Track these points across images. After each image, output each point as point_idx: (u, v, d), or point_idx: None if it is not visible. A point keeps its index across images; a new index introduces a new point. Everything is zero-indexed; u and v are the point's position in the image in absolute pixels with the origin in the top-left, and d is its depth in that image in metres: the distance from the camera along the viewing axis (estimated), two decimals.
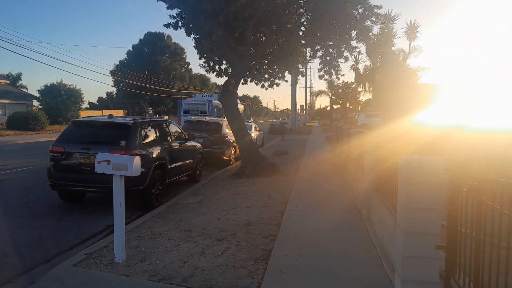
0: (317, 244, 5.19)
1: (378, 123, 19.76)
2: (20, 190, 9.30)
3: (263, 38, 11.94)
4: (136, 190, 7.16)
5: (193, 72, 75.27)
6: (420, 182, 3.18)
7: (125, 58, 68.48)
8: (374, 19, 10.49)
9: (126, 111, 57.58)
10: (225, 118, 13.15)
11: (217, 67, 12.76)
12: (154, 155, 7.85)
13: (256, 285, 3.99)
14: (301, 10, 11.17)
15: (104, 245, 5.23)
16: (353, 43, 11.00)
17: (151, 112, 67.00)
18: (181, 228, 6.02)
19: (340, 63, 11.37)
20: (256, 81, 13.07)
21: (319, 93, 56.08)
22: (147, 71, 64.81)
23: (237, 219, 6.52)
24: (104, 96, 74.14)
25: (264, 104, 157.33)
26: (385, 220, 4.77)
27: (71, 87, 49.74)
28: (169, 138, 9.01)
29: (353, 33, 10.63)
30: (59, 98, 47.02)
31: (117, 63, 67.96)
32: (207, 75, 68.80)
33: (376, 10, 10.28)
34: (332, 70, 11.32)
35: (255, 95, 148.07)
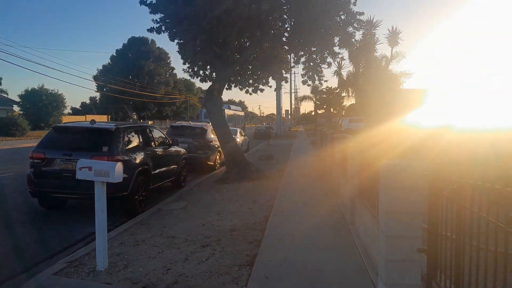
0: (302, 248, 5.20)
1: (361, 128, 19.99)
2: None
3: (247, 44, 11.98)
4: (119, 196, 7.07)
5: (178, 77, 75.08)
6: (401, 186, 3.22)
7: (109, 62, 67.90)
8: (356, 25, 10.64)
9: (109, 116, 56.96)
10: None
11: (201, 72, 12.74)
12: (137, 161, 7.77)
13: None
14: (285, 16, 11.26)
15: (86, 253, 5.13)
16: (336, 49, 11.14)
17: (135, 117, 66.40)
18: (164, 235, 5.96)
19: (323, 69, 11.51)
20: (240, 87, 13.09)
21: (304, 98, 56.47)
22: (131, 76, 64.34)
23: (221, 224, 6.49)
24: (87, 101, 73.27)
25: (250, 109, 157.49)
26: (368, 224, 4.82)
27: (53, 92, 49.02)
28: (152, 143, 8.93)
29: (336, 39, 10.76)
30: (41, 103, 46.28)
31: (101, 67, 67.28)
32: (192, 80, 68.60)
33: (358, 17, 10.43)
34: (316, 75, 11.43)
35: (240, 100, 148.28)
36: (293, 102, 77.10)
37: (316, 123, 53.74)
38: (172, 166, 9.79)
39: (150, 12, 10.26)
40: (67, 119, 45.49)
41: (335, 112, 59.08)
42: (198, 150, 13.55)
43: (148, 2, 10.21)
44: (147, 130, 9.08)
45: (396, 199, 3.24)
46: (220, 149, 13.41)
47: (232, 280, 4.25)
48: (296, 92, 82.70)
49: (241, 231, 6.10)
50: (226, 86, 12.40)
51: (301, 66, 11.73)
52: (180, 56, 12.36)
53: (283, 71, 13.17)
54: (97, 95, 69.98)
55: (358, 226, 5.77)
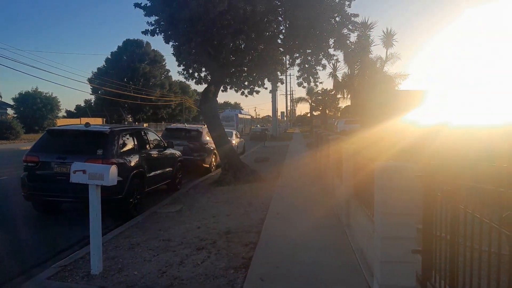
0: (297, 250, 5.20)
1: (357, 130, 20.04)
2: None
3: (242, 46, 11.97)
4: (114, 199, 7.03)
5: (173, 79, 74.86)
6: (396, 188, 3.23)
7: (104, 65, 67.62)
8: (351, 27, 10.67)
9: (104, 119, 56.74)
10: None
11: (196, 74, 12.71)
12: (132, 164, 7.74)
13: None
14: (279, 18, 11.27)
15: (80, 257, 5.10)
16: (331, 50, 11.15)
17: (130, 119, 66.19)
18: (160, 238, 5.93)
19: (318, 71, 11.49)
20: (236, 89, 13.07)
21: (300, 100, 56.65)
22: (126, 78, 64.11)
23: (217, 227, 6.47)
24: (82, 104, 72.89)
25: (245, 109, 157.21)
26: (364, 225, 4.82)
27: (47, 95, 48.86)
28: (147, 146, 8.91)
29: (331, 41, 10.78)
30: (35, 106, 46.09)
31: (96, 70, 67.05)
32: (187, 82, 68.52)
33: (353, 18, 10.46)
34: (311, 77, 11.43)
35: (236, 102, 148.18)
36: (288, 104, 77.22)
37: (311, 124, 53.86)
38: (167, 169, 9.76)
39: (145, 15, 10.24)
40: (62, 122, 45.30)
41: (330, 113, 59.30)
42: (194, 152, 13.52)
43: (142, 4, 10.20)
44: (142, 132, 9.05)
45: (391, 200, 3.25)
46: (215, 151, 13.39)
47: (228, 283, 4.24)
48: (292, 94, 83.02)
49: (237, 233, 6.09)
50: (221, 88, 12.38)
51: (296, 68, 11.76)
52: (175, 59, 12.35)
53: (278, 72, 13.18)
54: (92, 98, 69.72)
55: (354, 228, 5.78)
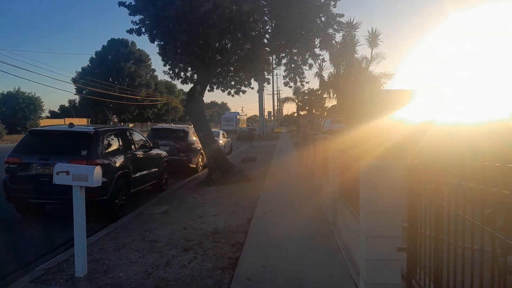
0: (284, 250, 5.21)
1: (343, 129, 20.20)
2: None
3: (228, 46, 11.95)
4: (99, 201, 6.94)
5: (159, 79, 74.23)
6: (380, 186, 3.25)
7: (88, 65, 66.72)
8: (336, 27, 10.73)
9: (89, 120, 55.98)
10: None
11: (182, 74, 12.64)
12: (117, 165, 7.65)
13: None
14: (265, 18, 11.27)
15: (64, 259, 5.02)
16: (317, 50, 11.20)
17: (115, 120, 65.45)
18: (146, 239, 5.88)
19: (304, 70, 11.54)
20: (222, 88, 13.05)
21: (286, 99, 56.73)
22: (111, 78, 63.37)
23: (204, 228, 6.45)
24: (66, 104, 71.69)
25: (232, 111, 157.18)
26: (350, 224, 4.85)
27: (30, 95, 48.01)
28: (133, 146, 8.81)
29: (317, 41, 10.82)
30: (17, 107, 45.28)
31: (80, 70, 66.10)
32: (173, 82, 68.06)
33: (338, 18, 10.52)
34: (297, 77, 11.47)
35: (222, 102, 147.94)
36: (275, 103, 77.41)
37: (298, 124, 54.03)
38: (153, 169, 9.68)
39: (130, 14, 10.13)
40: (45, 123, 44.51)
41: (317, 113, 59.55)
42: (180, 152, 13.44)
43: (127, 3, 10.09)
44: (127, 133, 8.95)
45: (376, 199, 3.28)
46: (202, 151, 13.33)
47: (215, 283, 4.22)
48: (279, 93, 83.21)
49: (224, 233, 6.07)
50: (208, 87, 12.33)
51: (282, 67, 11.79)
52: (161, 58, 12.25)
53: (265, 72, 13.19)
54: (77, 98, 68.71)
55: (340, 226, 5.82)
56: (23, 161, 7.02)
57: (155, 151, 10.01)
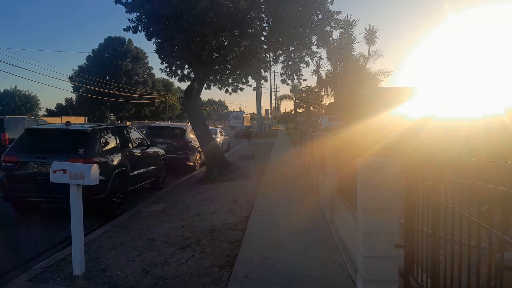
0: (282, 247, 5.21)
1: (340, 126, 20.22)
2: None
3: (225, 43, 11.92)
4: (97, 199, 6.93)
5: (156, 77, 73.96)
6: (378, 183, 3.26)
7: (85, 63, 66.37)
8: (333, 25, 10.71)
9: (86, 118, 55.79)
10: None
11: (179, 71, 12.60)
12: (115, 163, 7.63)
13: None
14: (262, 16, 11.25)
15: (62, 258, 5.01)
16: (314, 48, 11.16)
17: (113, 118, 65.25)
18: (143, 237, 5.87)
19: (302, 68, 11.52)
20: (219, 86, 13.02)
21: (284, 97, 56.70)
22: (108, 76, 63.11)
23: (201, 225, 6.44)
24: (63, 103, 71.35)
25: (230, 108, 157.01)
26: (347, 221, 4.86)
27: (27, 93, 47.82)
28: (130, 144, 8.79)
29: (314, 38, 10.80)
30: (13, 105, 45.10)
31: (77, 68, 65.79)
32: (171, 79, 67.87)
33: (335, 16, 10.50)
34: (294, 74, 11.46)
35: (220, 100, 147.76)
36: (273, 101, 77.36)
37: (296, 122, 54.02)
38: (151, 168, 9.66)
39: (126, 11, 10.08)
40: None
41: (314, 111, 59.57)
42: (178, 150, 13.42)
43: (123, 1, 10.03)
44: (125, 131, 8.92)
45: (373, 196, 3.28)
46: (199, 149, 13.31)
47: (213, 281, 4.23)
48: (276, 91, 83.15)
49: (222, 231, 6.07)
50: (205, 85, 12.31)
51: (280, 65, 11.76)
52: (158, 56, 12.21)
53: (262, 70, 13.17)
54: (74, 96, 68.40)
55: (337, 224, 5.83)
56: (19, 160, 6.99)
57: (152, 149, 9.99)
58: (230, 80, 12.83)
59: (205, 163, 12.07)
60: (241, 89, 13.11)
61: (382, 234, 3.28)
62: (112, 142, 7.94)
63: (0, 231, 6.82)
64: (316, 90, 41.17)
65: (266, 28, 11.47)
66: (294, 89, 48.46)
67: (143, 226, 6.54)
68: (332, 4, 10.44)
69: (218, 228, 6.23)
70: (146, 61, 71.70)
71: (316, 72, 30.28)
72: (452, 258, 2.67)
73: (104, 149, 7.49)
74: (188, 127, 13.97)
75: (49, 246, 5.92)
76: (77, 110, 62.74)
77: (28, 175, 6.92)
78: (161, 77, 74.91)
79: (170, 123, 16.01)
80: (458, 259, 2.61)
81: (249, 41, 11.18)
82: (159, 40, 11.10)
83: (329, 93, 33.85)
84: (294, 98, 52.45)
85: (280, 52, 11.46)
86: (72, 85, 61.24)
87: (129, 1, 9.99)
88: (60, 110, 66.82)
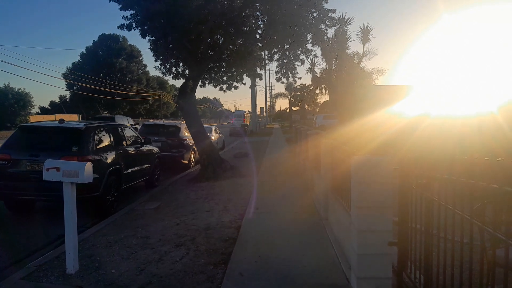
0: (277, 245, 5.22)
1: (335, 124, 20.27)
2: None
3: (220, 41, 11.89)
4: (90, 197, 6.90)
5: (151, 75, 73.68)
6: (371, 181, 3.27)
7: (79, 60, 65.97)
8: (328, 23, 10.70)
9: (80, 116, 55.46)
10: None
11: (173, 69, 12.55)
12: (109, 161, 7.60)
13: None
14: (257, 13, 11.23)
15: (55, 256, 4.99)
16: (309, 46, 11.15)
17: (107, 115, 64.89)
18: (138, 235, 5.86)
19: (296, 66, 11.51)
20: (214, 84, 12.99)
21: (279, 95, 56.81)
22: (102, 73, 62.79)
23: (196, 223, 6.44)
24: (57, 100, 70.88)
25: (225, 106, 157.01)
26: (341, 219, 4.88)
27: (20, 91, 47.41)
28: (124, 142, 8.76)
29: (309, 36, 10.80)
30: (6, 103, 44.74)
31: (70, 65, 65.36)
32: (165, 77, 67.63)
33: (330, 14, 10.50)
34: (289, 72, 11.45)
35: (215, 97, 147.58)
36: (268, 99, 77.34)
37: (291, 120, 54.10)
38: (145, 166, 9.64)
39: (120, 9, 10.02)
40: (35, 119, 44.00)
41: (309, 109, 59.73)
42: (172, 148, 13.38)
43: None
44: (119, 129, 8.89)
45: (367, 194, 3.30)
46: (194, 147, 13.28)
47: (207, 279, 4.23)
48: (271, 89, 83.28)
49: (216, 229, 6.07)
50: (199, 83, 12.27)
51: (275, 63, 11.75)
52: (152, 53, 12.15)
53: (257, 68, 13.15)
54: (67, 93, 67.97)
55: (332, 221, 5.85)
56: (12, 158, 6.94)
57: (146, 147, 9.97)
58: (224, 78, 12.81)
59: (200, 161, 12.06)
60: (236, 87, 13.09)
61: (376, 232, 3.30)
62: (106, 140, 7.90)
63: None
64: (311, 88, 41.25)
65: (261, 26, 11.45)
66: (289, 87, 48.56)
67: (137, 224, 6.52)
68: (327, 2, 10.45)
69: (212, 226, 6.23)
70: (141, 58, 71.42)
71: (311, 70, 30.36)
72: (445, 255, 2.69)
73: (98, 147, 7.45)
74: (183, 125, 13.94)
75: (43, 244, 5.90)
76: (71, 108, 62.38)
77: (21, 173, 6.88)
78: (156, 75, 74.64)
79: (165, 121, 15.94)
80: (451, 256, 2.63)
81: (244, 39, 11.16)
82: (153, 38, 11.05)
83: (323, 91, 33.99)
84: (289, 96, 52.57)
85: (275, 50, 11.45)
86: (66, 83, 60.89)
87: None
88: (54, 108, 66.40)
